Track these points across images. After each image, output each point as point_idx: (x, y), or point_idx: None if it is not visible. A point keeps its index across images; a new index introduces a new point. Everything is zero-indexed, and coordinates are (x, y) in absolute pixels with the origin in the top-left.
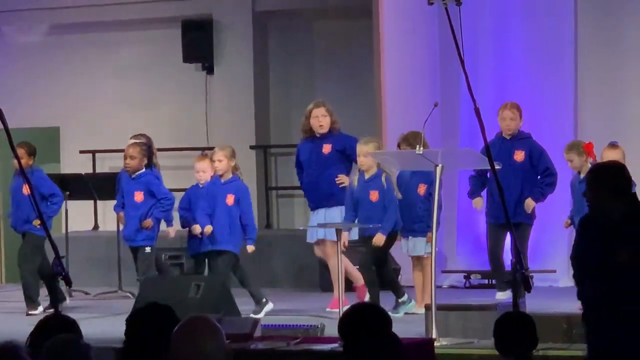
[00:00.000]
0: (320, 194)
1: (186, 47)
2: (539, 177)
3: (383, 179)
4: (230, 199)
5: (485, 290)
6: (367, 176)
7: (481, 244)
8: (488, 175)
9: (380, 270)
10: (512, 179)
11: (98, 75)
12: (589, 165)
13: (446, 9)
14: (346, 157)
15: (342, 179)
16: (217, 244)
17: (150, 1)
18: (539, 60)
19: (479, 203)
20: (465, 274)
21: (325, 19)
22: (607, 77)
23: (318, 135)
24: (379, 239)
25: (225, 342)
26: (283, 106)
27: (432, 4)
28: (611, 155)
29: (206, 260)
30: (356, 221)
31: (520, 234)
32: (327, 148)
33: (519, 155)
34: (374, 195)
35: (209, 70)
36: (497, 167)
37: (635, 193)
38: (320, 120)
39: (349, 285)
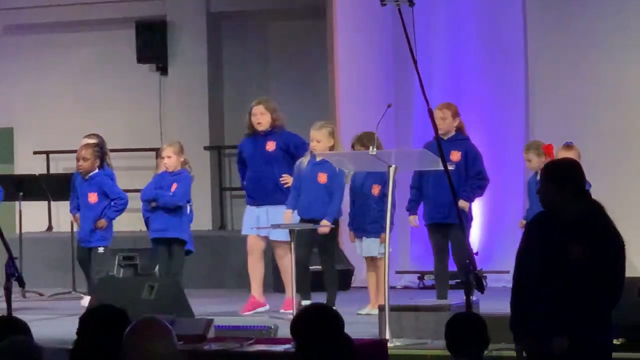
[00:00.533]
0: (263, 192)
1: (140, 48)
2: (470, 179)
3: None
4: (173, 188)
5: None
6: (318, 159)
7: None
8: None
9: (325, 261)
10: (446, 179)
11: (52, 76)
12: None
13: (399, 9)
14: (290, 155)
15: (286, 179)
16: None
17: (104, 2)
18: (491, 61)
19: (415, 221)
20: (419, 275)
21: (280, 20)
22: (558, 77)
23: (261, 133)
24: (325, 225)
25: (176, 344)
26: (237, 107)
27: (385, 4)
28: (567, 156)
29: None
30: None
31: (456, 234)
32: (271, 145)
33: (455, 156)
34: (322, 177)
35: (163, 71)
36: (450, 168)
37: (589, 191)
38: (258, 118)
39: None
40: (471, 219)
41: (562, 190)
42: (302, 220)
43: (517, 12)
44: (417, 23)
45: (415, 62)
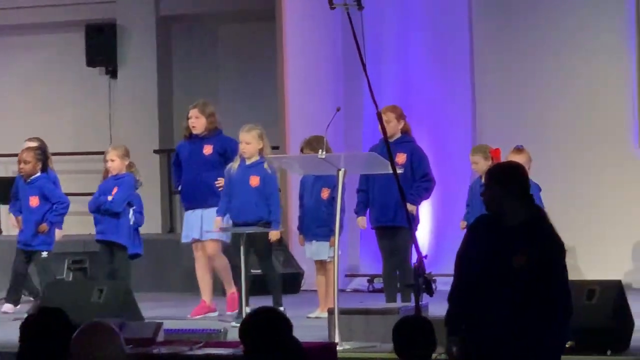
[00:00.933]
0: (198, 195)
1: (89, 51)
2: (416, 182)
3: (266, 165)
4: (113, 192)
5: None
6: (248, 162)
7: None
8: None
9: (265, 266)
10: (392, 182)
11: (1, 78)
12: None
13: (348, 13)
14: (227, 159)
15: (221, 183)
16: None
17: (54, 5)
18: (439, 65)
19: (363, 222)
20: (369, 278)
21: (229, 23)
22: (505, 80)
23: (199, 136)
24: (275, 235)
25: (124, 348)
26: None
27: (334, 8)
28: (517, 159)
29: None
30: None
31: (402, 238)
32: (207, 149)
33: (401, 158)
34: (255, 180)
35: (113, 74)
36: (399, 171)
37: (532, 195)
38: (193, 122)
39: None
40: (418, 221)
41: (507, 194)
42: (235, 225)
43: (464, 16)
44: (367, 26)
45: (364, 65)
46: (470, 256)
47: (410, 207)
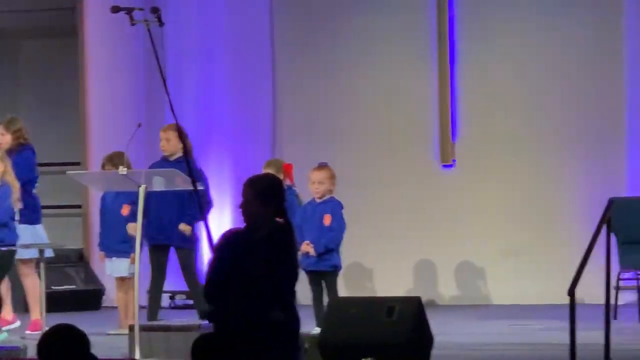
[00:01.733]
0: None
1: None
2: (193, 202)
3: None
4: None
5: (190, 311)
6: None
7: None
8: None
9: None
10: (167, 201)
11: None
12: (285, 187)
13: (149, 29)
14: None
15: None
16: None
17: None
18: (240, 81)
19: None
20: (170, 295)
21: (31, 38)
22: (304, 95)
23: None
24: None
25: None
26: None
27: (134, 24)
28: (321, 176)
29: None
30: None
31: (184, 257)
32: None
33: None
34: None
35: None
36: (200, 187)
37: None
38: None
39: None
40: (197, 240)
41: (266, 206)
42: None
43: (265, 33)
44: (169, 42)
45: (164, 81)
46: (219, 266)
47: (184, 227)
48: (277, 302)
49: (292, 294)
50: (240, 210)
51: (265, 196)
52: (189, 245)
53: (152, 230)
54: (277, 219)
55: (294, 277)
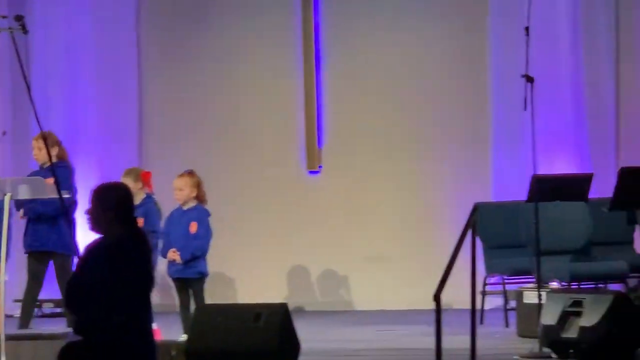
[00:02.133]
0: None
1: None
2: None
3: None
4: None
5: (58, 319)
6: None
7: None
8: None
9: None
10: (47, 207)
11: None
12: (144, 195)
13: (13, 37)
14: None
15: None
16: None
17: None
18: (105, 88)
19: None
20: (38, 303)
21: None
22: (169, 101)
23: None
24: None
25: None
26: None
27: None
28: (179, 183)
29: None
30: None
31: (61, 264)
32: None
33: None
34: None
35: None
36: (66, 195)
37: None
38: None
39: None
40: (75, 246)
41: (109, 214)
42: None
43: (131, 37)
44: (35, 50)
45: (28, 89)
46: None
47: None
48: (118, 307)
49: (134, 299)
50: (87, 217)
51: (108, 204)
52: (66, 251)
53: (29, 237)
54: (128, 227)
55: (137, 284)
